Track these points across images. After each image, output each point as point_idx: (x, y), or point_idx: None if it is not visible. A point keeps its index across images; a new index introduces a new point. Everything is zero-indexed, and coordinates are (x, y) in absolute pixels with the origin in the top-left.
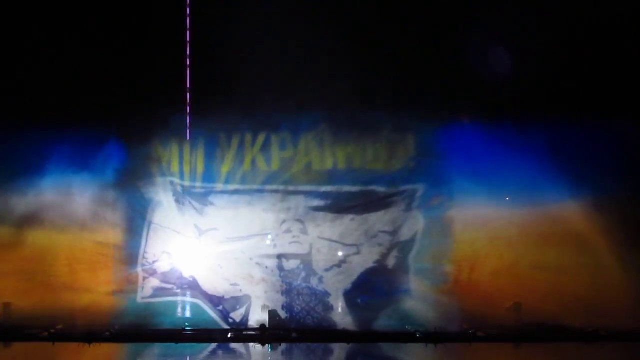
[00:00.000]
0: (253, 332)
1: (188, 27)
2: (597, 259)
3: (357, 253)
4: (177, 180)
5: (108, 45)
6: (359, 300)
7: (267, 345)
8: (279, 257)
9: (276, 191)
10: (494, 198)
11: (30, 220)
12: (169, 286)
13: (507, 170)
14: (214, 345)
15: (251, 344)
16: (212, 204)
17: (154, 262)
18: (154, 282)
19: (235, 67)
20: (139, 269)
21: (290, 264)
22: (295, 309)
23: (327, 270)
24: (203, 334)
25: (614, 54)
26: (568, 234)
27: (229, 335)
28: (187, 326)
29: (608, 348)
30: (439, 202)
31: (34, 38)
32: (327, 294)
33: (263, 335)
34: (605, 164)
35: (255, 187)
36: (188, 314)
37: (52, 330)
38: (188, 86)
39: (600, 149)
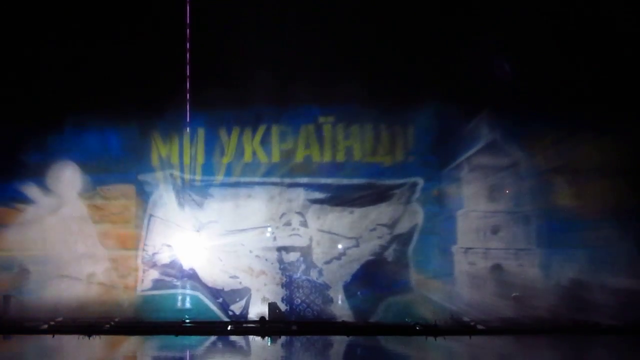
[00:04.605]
0: (253, 325)
1: (188, 19)
2: None
3: (357, 246)
4: (177, 173)
5: (108, 38)
6: (358, 293)
7: (266, 337)
8: (279, 249)
9: (276, 183)
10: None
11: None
12: (169, 279)
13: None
14: (213, 337)
15: (251, 337)
16: (212, 196)
17: (153, 254)
18: (154, 275)
19: (235, 59)
20: (139, 262)
21: (290, 257)
22: (295, 302)
23: (326, 262)
24: (203, 326)
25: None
26: None
27: (229, 328)
28: (187, 318)
29: (608, 340)
30: (439, 194)
31: (35, 31)
32: (326, 286)
33: (263, 327)
34: None
35: (255, 179)
36: (188, 307)
37: (52, 323)
38: (188, 79)
39: None
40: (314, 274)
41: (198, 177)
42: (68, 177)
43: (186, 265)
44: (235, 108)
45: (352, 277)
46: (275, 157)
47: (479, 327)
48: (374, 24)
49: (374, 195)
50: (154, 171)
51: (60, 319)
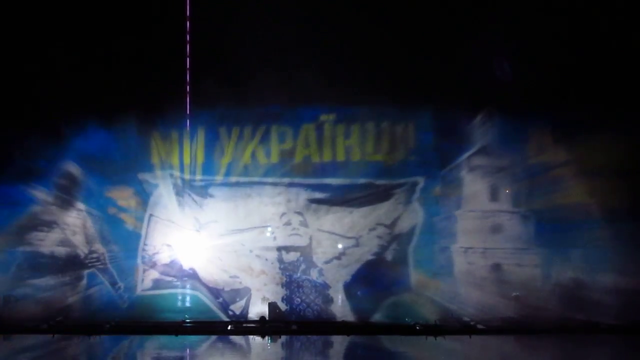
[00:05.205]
0: (253, 325)
1: (188, 19)
2: None
3: (357, 245)
4: (177, 173)
5: (107, 38)
6: (358, 293)
7: (266, 337)
8: (279, 249)
9: (276, 184)
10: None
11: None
12: (169, 278)
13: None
14: (213, 337)
15: (251, 336)
16: (211, 196)
17: (153, 254)
18: (154, 274)
19: (235, 59)
20: (139, 262)
21: (290, 257)
22: (295, 301)
23: (326, 262)
24: (203, 326)
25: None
26: None
27: (229, 328)
28: (187, 318)
29: (608, 340)
30: (439, 194)
31: (33, 32)
32: (326, 286)
33: (263, 327)
34: None
35: (255, 179)
36: (188, 306)
37: (52, 323)
38: (188, 79)
39: None
40: (314, 274)
41: (198, 177)
42: (68, 178)
43: (186, 265)
44: (235, 108)
45: (352, 276)
46: (275, 157)
47: (479, 326)
48: (375, 23)
49: (374, 195)
50: (154, 171)
51: (60, 318)
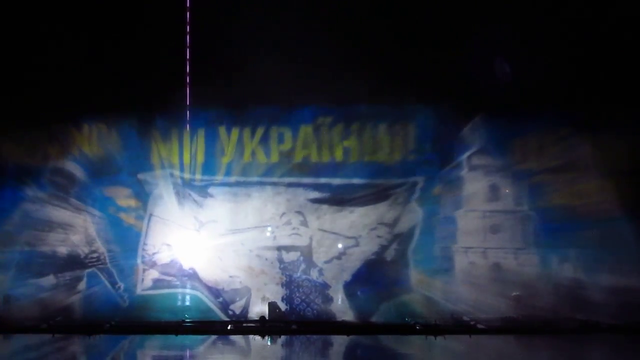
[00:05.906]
0: (253, 324)
1: (188, 18)
2: None
3: (357, 245)
4: (177, 173)
5: (107, 36)
6: (358, 292)
7: (266, 337)
8: (279, 249)
9: (275, 183)
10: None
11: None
12: (169, 278)
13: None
14: (213, 337)
15: (251, 336)
16: (211, 196)
17: (153, 254)
18: (154, 274)
19: (235, 59)
20: (139, 261)
21: (290, 256)
22: (295, 301)
23: (326, 262)
24: (203, 325)
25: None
26: None
27: (229, 327)
28: (187, 318)
29: (608, 340)
30: (438, 193)
31: (30, 31)
32: (326, 286)
33: (263, 327)
34: None
35: (254, 179)
36: (188, 306)
37: (52, 322)
38: (188, 78)
39: None
40: (314, 274)
41: (198, 176)
42: (67, 177)
43: (186, 264)
44: (235, 108)
45: (352, 276)
46: (275, 157)
47: (479, 326)
48: (375, 23)
49: (374, 195)
50: (153, 170)
51: (60, 318)
